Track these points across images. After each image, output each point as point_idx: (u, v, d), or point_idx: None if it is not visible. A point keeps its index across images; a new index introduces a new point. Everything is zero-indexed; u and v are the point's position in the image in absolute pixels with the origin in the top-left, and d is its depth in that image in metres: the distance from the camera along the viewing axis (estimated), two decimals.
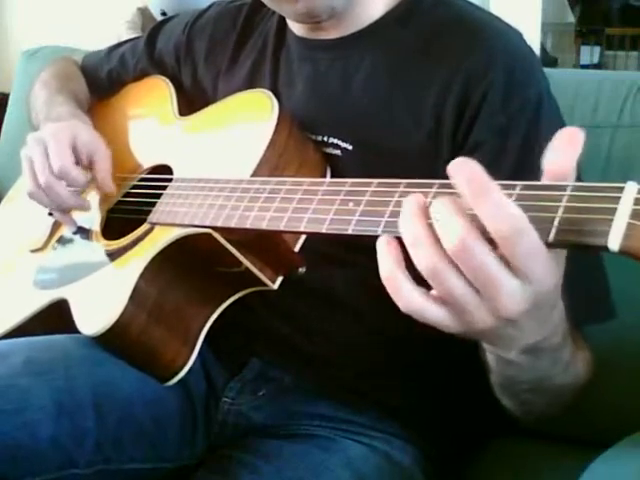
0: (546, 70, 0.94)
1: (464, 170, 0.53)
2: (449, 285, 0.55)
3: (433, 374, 0.98)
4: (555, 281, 0.56)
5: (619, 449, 0.84)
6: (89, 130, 1.09)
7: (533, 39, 2.86)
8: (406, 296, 0.57)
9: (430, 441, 0.98)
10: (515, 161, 0.85)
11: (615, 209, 0.50)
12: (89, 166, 1.06)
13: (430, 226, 0.55)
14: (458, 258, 0.53)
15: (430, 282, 0.55)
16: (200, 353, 0.94)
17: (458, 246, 0.53)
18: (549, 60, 5.03)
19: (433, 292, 0.56)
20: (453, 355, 0.98)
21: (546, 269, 0.53)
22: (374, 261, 0.96)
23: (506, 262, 0.53)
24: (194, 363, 0.93)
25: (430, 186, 0.60)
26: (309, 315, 0.96)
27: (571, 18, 6.05)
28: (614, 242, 0.50)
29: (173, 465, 0.97)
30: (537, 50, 2.64)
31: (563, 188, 0.53)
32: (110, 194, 1.07)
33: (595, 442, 0.88)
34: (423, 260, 0.55)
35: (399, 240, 0.57)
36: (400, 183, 0.63)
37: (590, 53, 5.83)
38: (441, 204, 0.54)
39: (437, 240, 0.54)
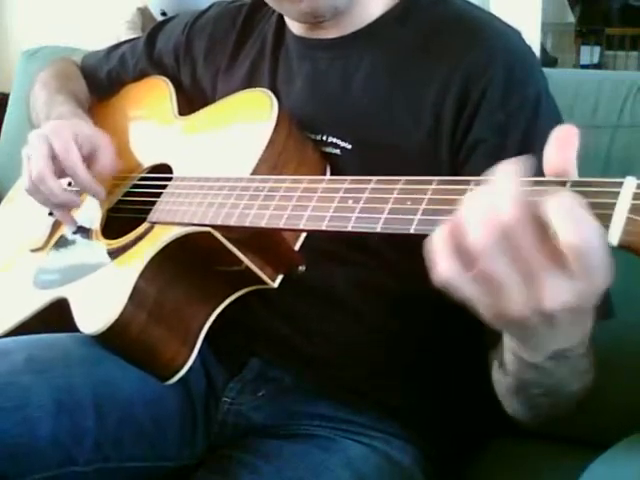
0: (546, 70, 0.95)
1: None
2: (494, 262, 0.52)
3: (433, 374, 0.98)
4: (606, 284, 0.53)
5: (619, 449, 0.84)
6: (91, 126, 1.10)
7: (533, 39, 2.86)
8: (447, 263, 0.54)
9: (430, 441, 0.98)
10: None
11: (614, 204, 0.50)
12: (90, 159, 1.05)
13: (487, 197, 0.52)
14: (509, 236, 0.51)
15: (477, 258, 0.53)
16: (200, 353, 0.94)
17: (512, 221, 0.51)
18: (549, 60, 5.03)
19: (475, 270, 0.54)
20: (453, 355, 0.98)
21: (602, 272, 0.51)
22: (375, 260, 0.96)
23: (560, 257, 0.51)
24: (194, 362, 0.93)
25: (429, 183, 0.61)
26: (309, 315, 0.96)
27: (571, 18, 6.05)
28: (613, 236, 0.50)
29: (173, 464, 0.97)
30: (537, 50, 2.64)
31: (563, 183, 0.53)
32: (98, 192, 1.05)
33: (595, 442, 0.88)
34: (477, 233, 0.52)
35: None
36: (399, 180, 0.63)
37: (590, 53, 5.83)
38: (504, 180, 0.52)
39: (495, 216, 0.51)
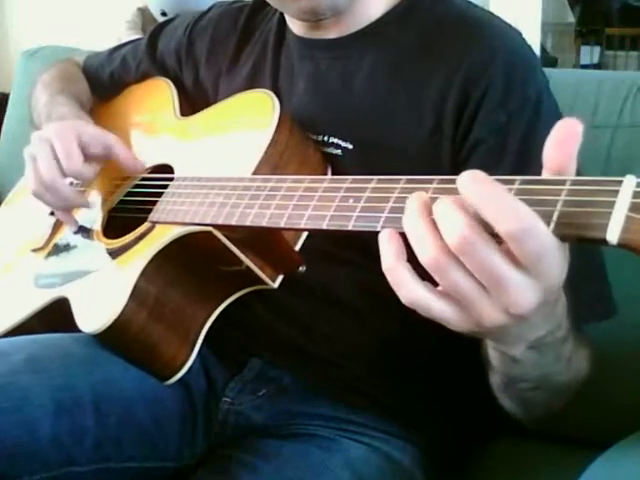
0: (546, 70, 0.95)
1: (468, 174, 0.53)
2: (453, 279, 0.54)
3: (433, 374, 0.98)
4: (563, 275, 0.55)
5: (619, 449, 0.84)
6: (94, 126, 1.10)
7: (533, 39, 2.85)
8: (408, 288, 0.57)
9: (430, 441, 0.98)
10: (515, 159, 0.85)
11: (614, 202, 0.50)
12: (105, 156, 1.06)
13: (433, 222, 0.55)
14: (461, 253, 0.53)
15: (435, 277, 0.55)
16: (200, 352, 0.94)
17: (460, 241, 0.53)
18: (549, 60, 5.02)
19: (440, 288, 0.56)
20: (453, 355, 0.98)
21: (556, 264, 0.53)
22: (375, 261, 0.96)
23: (513, 258, 0.53)
24: (194, 362, 0.93)
25: (430, 182, 0.61)
26: (309, 315, 0.96)
27: (571, 18, 6.05)
28: (613, 235, 0.50)
29: (173, 464, 0.97)
30: (537, 50, 2.64)
31: (562, 182, 0.53)
32: (138, 172, 1.07)
33: (595, 442, 0.88)
34: (426, 254, 0.55)
35: (403, 235, 0.57)
36: (400, 179, 0.64)
37: (590, 53, 5.82)
38: (443, 201, 0.54)
39: (440, 236, 0.54)
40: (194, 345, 0.93)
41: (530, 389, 0.75)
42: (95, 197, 1.11)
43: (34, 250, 1.13)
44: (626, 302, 0.88)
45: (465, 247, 0.53)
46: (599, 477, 0.79)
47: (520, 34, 0.93)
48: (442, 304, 0.57)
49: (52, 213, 1.12)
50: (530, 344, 0.64)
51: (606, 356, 0.83)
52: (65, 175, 1.02)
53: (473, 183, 0.53)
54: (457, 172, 0.89)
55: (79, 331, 0.91)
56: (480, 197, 0.52)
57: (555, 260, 0.53)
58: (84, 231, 1.08)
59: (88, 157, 1.04)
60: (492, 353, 0.70)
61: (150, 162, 1.09)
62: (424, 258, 0.55)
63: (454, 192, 0.55)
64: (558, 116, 0.91)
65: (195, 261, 0.89)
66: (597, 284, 0.85)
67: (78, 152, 1.02)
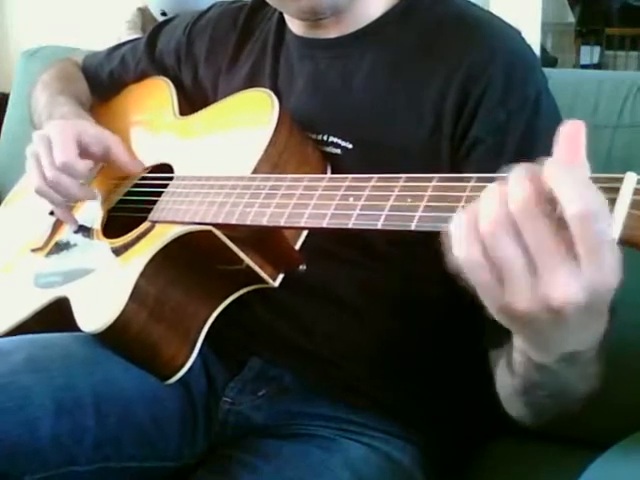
0: (546, 70, 0.95)
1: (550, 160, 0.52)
2: (505, 247, 0.52)
3: (433, 374, 0.98)
4: (616, 281, 0.53)
5: (619, 449, 0.84)
6: (95, 125, 1.10)
7: (533, 39, 2.85)
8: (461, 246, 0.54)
9: (430, 441, 0.98)
10: (514, 158, 0.84)
11: (615, 199, 0.50)
12: (104, 157, 1.06)
13: (502, 185, 0.54)
14: (521, 221, 0.52)
15: (488, 244, 0.53)
16: (200, 352, 0.94)
17: (525, 207, 0.51)
18: (549, 60, 5.02)
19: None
20: (454, 355, 0.98)
21: (611, 261, 0.51)
22: (376, 260, 0.96)
23: (571, 246, 0.51)
24: (195, 362, 0.93)
25: (429, 180, 0.61)
26: (310, 314, 0.96)
27: (571, 18, 6.05)
28: (614, 231, 0.50)
29: (173, 464, 0.97)
30: (537, 50, 2.64)
31: None
32: (136, 173, 1.07)
33: (595, 442, 0.88)
34: (489, 217, 0.53)
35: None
36: (400, 178, 0.64)
37: (590, 53, 5.82)
38: (518, 170, 0.53)
39: (506, 201, 0.53)
40: (194, 345, 0.93)
41: (546, 396, 0.74)
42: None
43: (34, 250, 1.13)
44: (626, 302, 0.87)
45: (527, 214, 0.51)
46: (599, 477, 0.79)
47: (520, 34, 0.93)
48: (484, 271, 0.54)
49: (52, 213, 1.12)
50: (564, 355, 0.62)
51: (607, 356, 0.83)
52: (59, 168, 1.02)
53: (552, 166, 0.52)
54: (456, 171, 0.89)
55: (79, 331, 0.91)
56: (556, 176, 0.51)
57: (610, 255, 0.51)
58: (84, 230, 1.08)
59: (86, 156, 1.04)
60: (517, 357, 0.68)
61: (149, 161, 1.09)
62: (485, 221, 0.53)
63: (453, 190, 0.55)
64: (557, 116, 0.91)
65: (195, 260, 0.89)
66: None
67: (74, 148, 1.02)
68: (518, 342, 0.66)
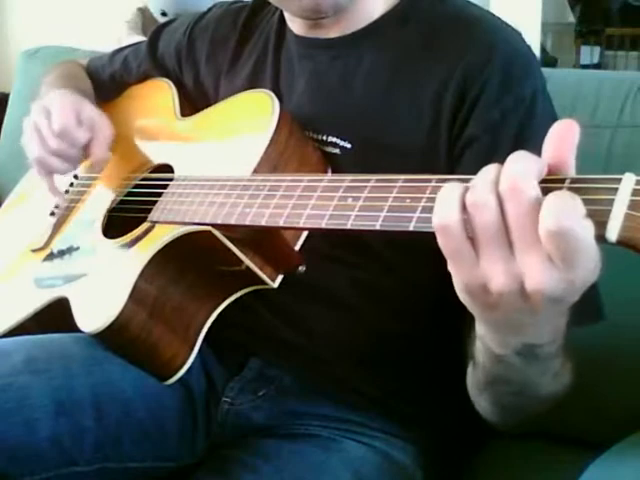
0: (546, 70, 0.95)
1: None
2: (488, 220, 0.53)
3: (433, 374, 0.98)
4: (591, 277, 0.53)
5: (619, 449, 0.84)
6: (94, 108, 1.11)
7: (533, 39, 2.85)
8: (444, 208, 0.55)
9: (430, 441, 0.98)
10: (506, 158, 0.85)
11: (613, 200, 0.50)
12: (86, 143, 1.07)
13: (498, 167, 0.54)
14: (509, 196, 0.52)
15: (471, 213, 0.54)
16: (200, 352, 0.94)
17: (515, 185, 0.52)
18: (549, 60, 5.02)
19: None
20: (454, 356, 0.98)
21: (591, 255, 0.51)
22: (375, 262, 0.96)
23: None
24: (194, 362, 0.93)
25: (428, 181, 0.61)
26: (309, 315, 0.96)
27: (571, 18, 6.04)
28: (612, 233, 0.50)
29: (173, 464, 0.97)
30: (537, 50, 2.64)
31: (561, 181, 0.53)
32: (100, 162, 1.09)
33: (595, 442, 0.88)
34: (477, 188, 0.54)
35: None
36: (398, 179, 0.64)
37: (590, 53, 5.81)
38: (520, 152, 0.54)
39: (498, 180, 0.53)
40: (194, 345, 0.93)
41: (510, 393, 0.74)
42: (95, 197, 1.11)
43: (34, 250, 1.13)
44: (625, 302, 0.88)
45: (516, 192, 0.52)
46: (599, 477, 0.79)
47: (519, 34, 0.93)
48: (463, 240, 0.54)
49: (52, 213, 1.12)
50: (519, 349, 0.63)
51: (606, 356, 0.83)
52: (59, 135, 1.03)
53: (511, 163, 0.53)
54: (453, 171, 0.89)
55: (79, 331, 0.91)
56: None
57: (590, 250, 0.51)
58: (84, 231, 1.08)
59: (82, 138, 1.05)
60: (479, 346, 0.69)
61: (150, 162, 1.09)
62: (473, 191, 0.54)
63: None
64: (552, 118, 0.91)
65: (195, 261, 0.90)
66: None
67: (73, 117, 1.04)
68: (479, 329, 0.66)
